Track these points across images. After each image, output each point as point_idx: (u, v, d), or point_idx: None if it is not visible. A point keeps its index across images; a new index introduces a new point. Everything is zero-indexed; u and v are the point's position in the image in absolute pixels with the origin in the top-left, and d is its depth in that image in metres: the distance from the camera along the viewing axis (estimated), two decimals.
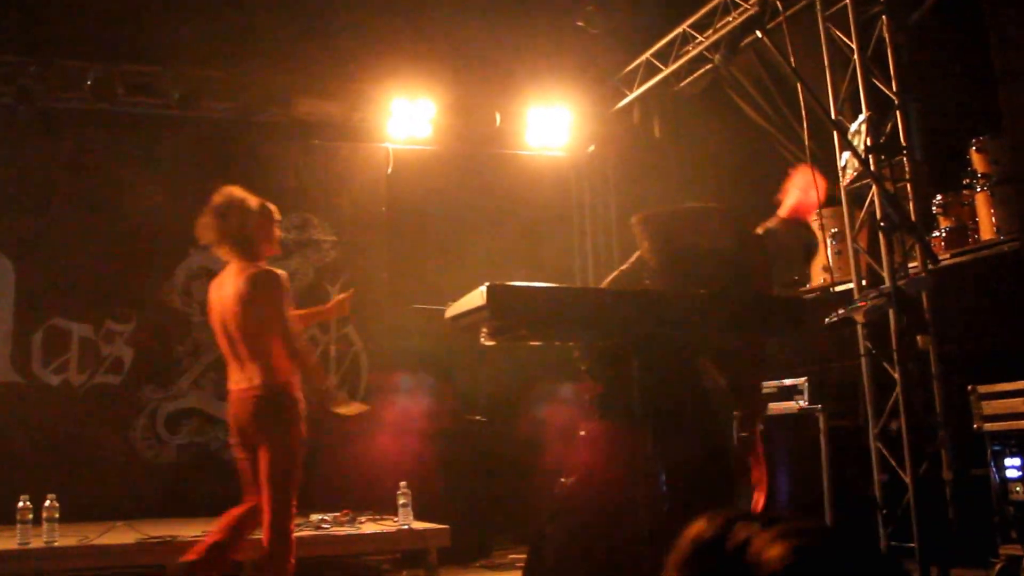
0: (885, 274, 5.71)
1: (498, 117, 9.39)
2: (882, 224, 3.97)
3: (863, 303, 4.35)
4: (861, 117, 5.83)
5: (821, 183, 4.45)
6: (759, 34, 4.53)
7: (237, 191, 5.17)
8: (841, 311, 4.41)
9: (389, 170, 9.36)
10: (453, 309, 3.44)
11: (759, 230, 4.44)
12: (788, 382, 6.68)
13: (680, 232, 4.21)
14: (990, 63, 5.59)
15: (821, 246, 6.85)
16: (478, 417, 7.63)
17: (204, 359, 8.63)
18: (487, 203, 9.50)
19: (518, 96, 9.50)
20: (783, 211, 4.50)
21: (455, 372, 8.48)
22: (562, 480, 3.86)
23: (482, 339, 3.45)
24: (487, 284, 3.16)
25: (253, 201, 5.17)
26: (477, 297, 3.17)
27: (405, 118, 9.11)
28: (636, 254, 4.33)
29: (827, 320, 4.53)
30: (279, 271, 5.08)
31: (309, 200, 9.13)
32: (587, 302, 3.43)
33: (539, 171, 9.84)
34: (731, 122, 7.84)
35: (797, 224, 4.41)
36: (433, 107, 9.15)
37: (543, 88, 9.43)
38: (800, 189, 4.48)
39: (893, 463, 5.84)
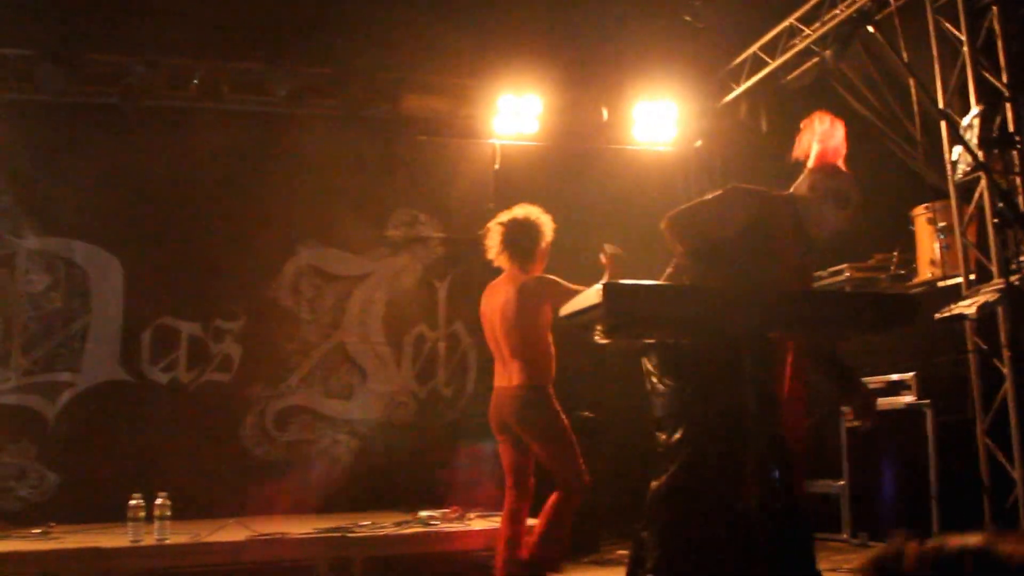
0: (994, 269, 5.67)
1: (605, 112, 9.43)
2: (995, 219, 3.93)
3: (976, 298, 4.33)
4: (973, 111, 5.78)
5: (840, 127, 4.41)
6: (870, 28, 4.56)
7: (536, 212, 5.98)
8: (954, 306, 4.40)
9: (496, 166, 9.44)
10: (568, 307, 3.52)
11: (787, 192, 4.41)
12: (895, 377, 6.67)
13: (707, 223, 4.21)
14: None
15: (928, 239, 6.83)
16: (586, 413, 7.71)
17: (312, 357, 8.77)
18: (594, 198, 9.46)
19: (625, 91, 9.53)
20: (809, 164, 4.40)
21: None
22: (652, 483, 3.97)
23: (596, 337, 3.53)
24: (603, 282, 3.25)
25: (548, 226, 5.95)
26: (593, 295, 3.23)
27: (512, 114, 9.18)
28: (673, 261, 4.38)
29: (938, 315, 4.52)
30: (550, 276, 5.79)
31: (417, 197, 9.21)
32: (700, 300, 3.48)
33: (646, 167, 9.84)
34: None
35: (825, 173, 4.29)
36: (539, 103, 9.21)
37: (650, 83, 9.46)
38: (820, 138, 4.40)
39: (1002, 458, 5.80)
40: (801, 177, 4.38)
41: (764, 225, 4.20)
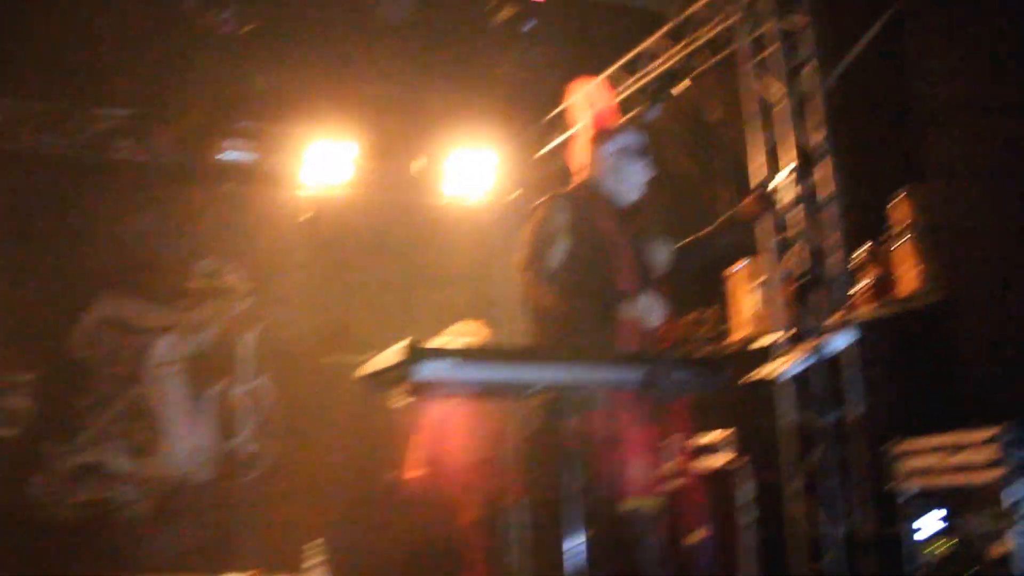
0: (787, 330, 5.88)
1: (421, 161, 9.49)
2: (801, 278, 4.06)
3: (782, 360, 4.45)
4: (787, 168, 5.98)
5: (600, 85, 4.48)
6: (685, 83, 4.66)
7: None
8: (759, 369, 4.50)
9: (308, 215, 9.38)
10: (369, 366, 3.46)
11: (585, 177, 4.42)
12: (712, 436, 6.77)
13: (546, 246, 4.21)
14: (916, 111, 5.79)
15: (744, 297, 7.01)
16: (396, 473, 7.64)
17: (109, 411, 8.59)
18: (410, 249, 9.60)
19: (442, 140, 9.60)
20: (590, 135, 4.42)
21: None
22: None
23: (398, 398, 3.48)
24: (409, 340, 3.21)
25: None
26: (397, 354, 3.20)
27: (325, 161, 9.13)
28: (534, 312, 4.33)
29: (745, 379, 4.61)
30: None
31: (223, 246, 9.11)
32: (510, 360, 3.49)
33: (464, 216, 9.92)
34: (657, 168, 7.98)
35: (609, 136, 4.35)
36: (355, 149, 9.21)
37: (468, 131, 9.54)
38: (589, 103, 4.44)
39: (816, 520, 5.95)
40: (588, 153, 4.40)
41: (589, 221, 4.20)
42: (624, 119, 4.39)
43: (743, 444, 6.52)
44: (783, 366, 4.38)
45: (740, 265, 7.15)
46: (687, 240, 4.57)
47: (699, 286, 7.49)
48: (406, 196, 9.77)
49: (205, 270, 8.99)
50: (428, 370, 3.22)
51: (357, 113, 8.96)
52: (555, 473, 3.63)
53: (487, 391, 3.84)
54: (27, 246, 8.43)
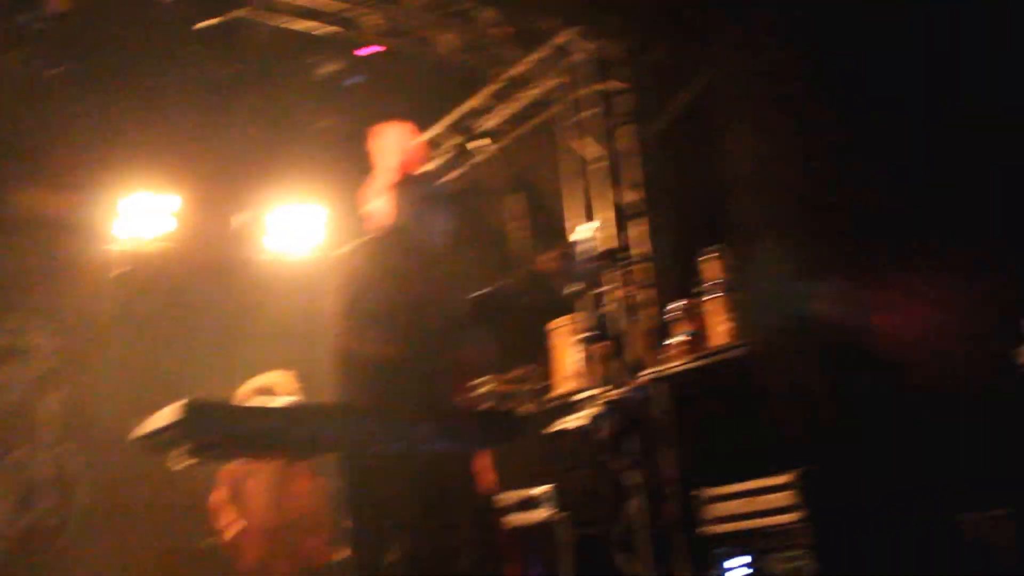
0: (601, 384, 6.09)
1: (244, 215, 9.44)
2: (590, 333, 4.20)
3: (587, 411, 4.54)
4: (592, 224, 6.20)
5: (401, 128, 4.52)
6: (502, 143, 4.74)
7: None
8: (561, 421, 4.59)
9: (122, 270, 9.00)
10: (145, 426, 3.31)
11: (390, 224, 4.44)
12: (530, 492, 6.90)
13: (364, 300, 4.24)
14: (724, 174, 6.12)
15: (564, 353, 7.19)
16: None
17: None
18: (235, 304, 9.43)
19: (268, 193, 9.56)
20: (392, 181, 4.44)
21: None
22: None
23: (178, 459, 3.31)
24: (187, 399, 3.09)
25: None
26: (173, 413, 3.08)
27: (141, 216, 8.87)
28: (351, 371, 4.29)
29: (544, 431, 4.70)
30: None
31: (28, 301, 8.71)
32: (295, 419, 3.42)
33: (292, 270, 9.85)
34: (478, 225, 8.18)
35: (411, 182, 4.40)
36: (175, 204, 9.00)
37: (293, 187, 9.54)
38: (389, 150, 4.49)
39: (635, 569, 6.12)
40: (390, 201, 4.40)
41: (391, 274, 4.23)
42: (430, 166, 4.39)
43: (562, 498, 6.66)
44: (584, 418, 4.50)
45: (562, 321, 7.33)
46: (486, 291, 4.57)
47: (525, 342, 7.64)
48: (230, 251, 9.57)
49: (7, 327, 8.65)
50: (208, 429, 3.15)
51: (178, 165, 8.80)
52: (376, 531, 3.67)
53: (277, 450, 3.78)
54: None
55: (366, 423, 3.52)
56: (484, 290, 4.55)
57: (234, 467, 6.20)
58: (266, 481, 6.15)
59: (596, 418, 4.47)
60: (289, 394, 6.13)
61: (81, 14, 7.19)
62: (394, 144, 4.51)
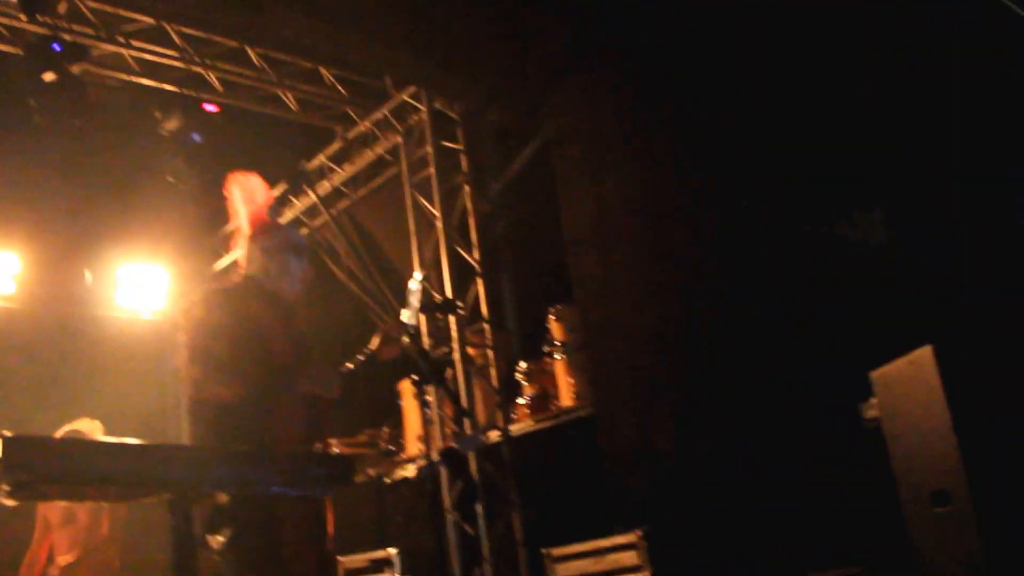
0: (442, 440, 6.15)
1: (89, 275, 9.31)
2: (415, 380, 4.24)
3: (416, 463, 4.57)
4: (417, 275, 6.27)
5: (256, 180, 4.46)
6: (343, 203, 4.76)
7: None
8: (398, 473, 4.63)
9: None
10: None
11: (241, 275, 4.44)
12: (378, 554, 6.89)
13: (204, 348, 4.19)
14: (563, 233, 6.21)
15: (415, 413, 7.21)
16: None
17: None
18: (78, 366, 9.27)
19: (111, 253, 9.47)
20: (246, 231, 4.41)
21: None
22: None
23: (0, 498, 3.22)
24: (2, 435, 2.99)
25: None
26: None
27: None
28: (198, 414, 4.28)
29: (386, 480, 4.74)
30: None
31: None
32: (122, 456, 3.29)
33: (135, 331, 9.73)
34: (325, 284, 8.20)
35: (266, 233, 4.37)
36: (15, 262, 8.90)
37: (137, 246, 9.47)
38: (245, 199, 4.43)
39: None
40: (243, 251, 4.39)
41: (244, 320, 4.19)
42: (282, 216, 4.41)
43: (408, 560, 6.67)
44: (412, 470, 4.55)
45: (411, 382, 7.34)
46: (348, 370, 4.54)
47: (374, 403, 7.65)
48: (74, 309, 9.48)
49: None
50: (24, 466, 3.04)
51: (16, 224, 8.73)
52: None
53: (96, 490, 3.71)
54: None
55: (195, 462, 3.43)
56: (349, 366, 4.56)
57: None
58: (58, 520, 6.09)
59: (423, 469, 4.49)
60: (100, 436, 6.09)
61: None
62: (246, 195, 4.42)
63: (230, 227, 4.54)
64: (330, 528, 4.33)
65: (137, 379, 9.45)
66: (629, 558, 5.32)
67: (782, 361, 5.24)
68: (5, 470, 2.97)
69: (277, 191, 8.35)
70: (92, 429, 6.14)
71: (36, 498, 3.41)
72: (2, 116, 7.76)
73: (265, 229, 4.39)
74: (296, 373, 4.10)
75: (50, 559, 6.12)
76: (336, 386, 4.15)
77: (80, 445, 3.23)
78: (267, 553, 3.95)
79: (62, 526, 6.03)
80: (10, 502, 3.36)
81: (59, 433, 6.09)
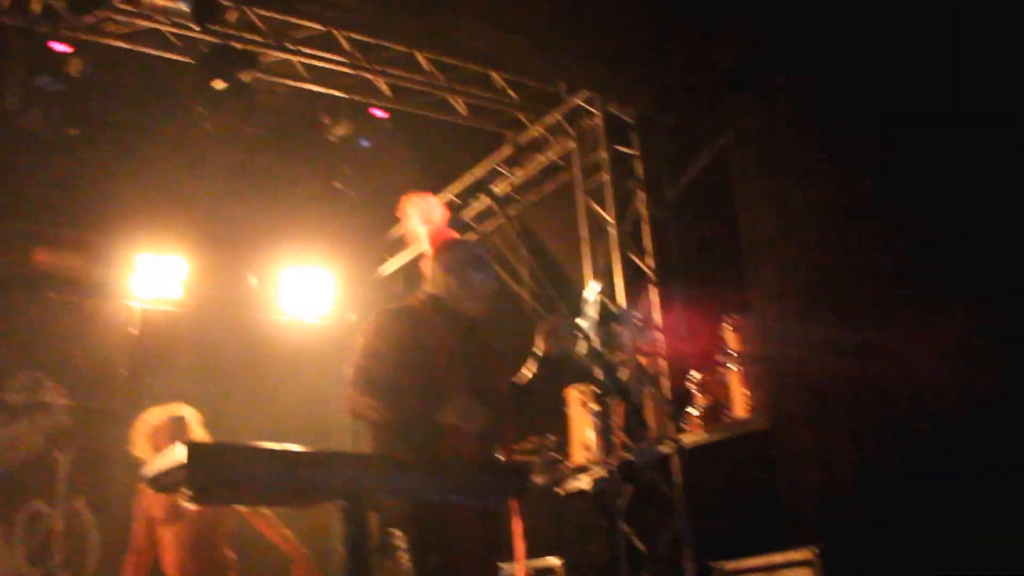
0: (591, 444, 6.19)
1: (254, 279, 9.62)
2: (596, 391, 4.28)
3: (591, 475, 4.59)
4: (594, 286, 6.33)
5: (430, 198, 4.58)
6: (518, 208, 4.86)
7: None
8: (570, 483, 4.66)
9: (134, 331, 9.30)
10: (151, 467, 3.40)
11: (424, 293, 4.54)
12: (543, 563, 6.97)
13: (375, 365, 4.29)
14: (740, 241, 6.21)
15: (581, 421, 7.28)
16: None
17: None
18: (242, 369, 9.54)
19: (276, 259, 9.78)
20: (427, 250, 4.52)
21: None
22: None
23: (183, 501, 3.38)
24: (188, 441, 3.19)
25: None
26: (176, 455, 3.15)
27: (153, 275, 9.16)
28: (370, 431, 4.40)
29: (557, 491, 4.78)
30: None
31: (42, 359, 8.93)
32: (298, 464, 3.41)
33: (298, 337, 10.00)
34: (499, 282, 8.32)
35: (447, 249, 4.47)
36: (185, 265, 9.27)
37: (303, 251, 9.75)
38: (423, 219, 4.52)
39: None
40: (428, 269, 4.50)
41: (412, 342, 4.29)
42: (462, 233, 4.51)
43: (572, 570, 6.74)
44: (588, 482, 4.58)
45: (578, 389, 7.41)
46: (519, 385, 4.62)
47: (540, 410, 7.72)
48: (240, 312, 9.80)
49: (22, 383, 8.83)
50: (208, 473, 3.19)
51: (187, 227, 9.07)
52: None
53: (275, 496, 3.83)
54: None
55: (372, 471, 3.56)
56: (526, 374, 4.62)
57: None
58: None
59: (599, 481, 4.52)
60: (196, 429, 6.25)
61: (99, 76, 7.48)
62: (423, 215, 4.54)
63: (414, 245, 4.65)
64: (516, 540, 4.38)
65: (301, 383, 9.73)
66: (803, 575, 5.28)
67: (973, 376, 5.13)
68: (190, 475, 3.11)
69: (446, 197, 8.53)
70: (192, 417, 6.29)
71: (216, 502, 3.58)
72: (173, 124, 8.10)
73: (445, 246, 4.49)
74: (444, 402, 4.16)
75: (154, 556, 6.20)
76: (479, 422, 4.14)
77: (260, 452, 3.31)
78: (437, 563, 4.01)
79: (167, 523, 6.08)
80: (192, 506, 3.56)
81: (154, 416, 6.28)
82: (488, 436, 4.23)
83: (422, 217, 4.53)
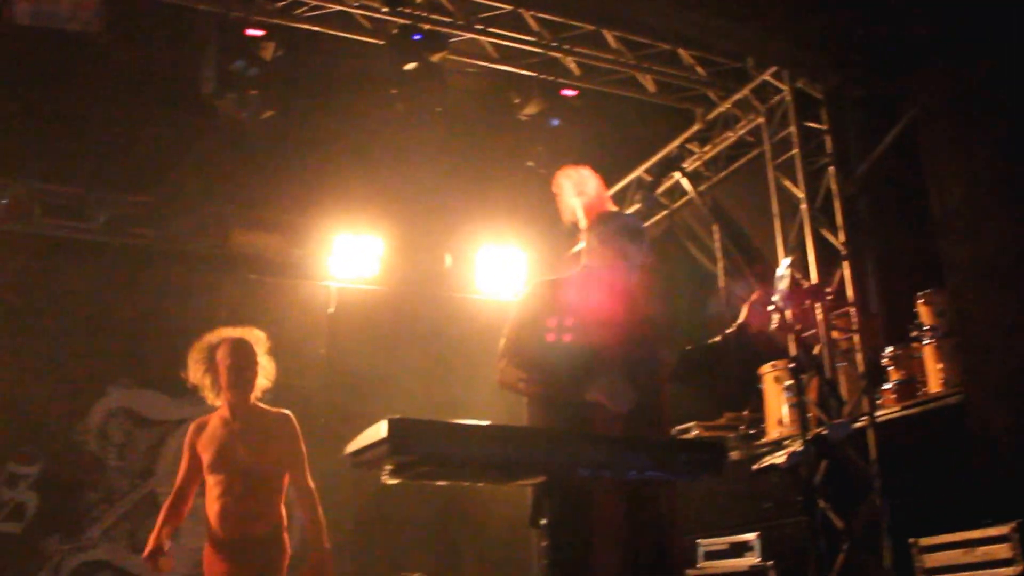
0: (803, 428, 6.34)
1: (448, 258, 9.96)
2: (791, 366, 4.40)
3: (786, 450, 4.75)
4: (785, 262, 6.49)
5: (585, 171, 4.77)
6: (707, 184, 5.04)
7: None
8: (767, 458, 4.84)
9: (331, 310, 9.62)
10: (353, 444, 3.51)
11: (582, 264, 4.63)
12: (739, 538, 7.21)
13: (531, 334, 4.40)
14: (932, 215, 6.30)
15: (776, 398, 7.48)
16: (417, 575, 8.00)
17: (119, 507, 8.55)
18: (437, 347, 9.82)
19: (470, 237, 10.07)
20: (583, 223, 4.65)
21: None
22: None
23: (384, 477, 3.53)
24: (389, 418, 3.28)
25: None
26: (378, 431, 3.27)
27: (349, 255, 9.48)
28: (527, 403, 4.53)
29: (754, 467, 4.97)
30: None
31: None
32: (497, 440, 3.49)
33: (491, 315, 10.08)
34: (684, 267, 8.54)
35: (602, 221, 4.56)
36: (380, 245, 9.57)
37: (496, 229, 10.03)
38: (577, 192, 4.71)
39: None
40: (584, 241, 4.59)
41: (576, 308, 4.35)
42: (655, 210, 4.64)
43: (768, 545, 6.95)
44: (782, 454, 4.72)
45: (772, 365, 7.57)
46: (693, 348, 4.75)
47: (733, 388, 7.93)
48: (434, 291, 10.12)
49: None
50: (408, 448, 3.30)
51: (383, 207, 9.42)
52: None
53: (474, 472, 3.88)
54: (36, 332, 8.50)
55: (573, 447, 3.63)
56: (691, 347, 4.74)
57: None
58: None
59: (794, 455, 4.63)
60: (262, 353, 6.18)
61: (292, 60, 7.77)
62: (577, 187, 4.71)
63: (566, 219, 4.79)
64: (673, 515, 4.44)
65: (491, 361, 9.97)
66: (1002, 551, 5.38)
67: None
68: (391, 451, 3.26)
69: (636, 175, 8.79)
70: (257, 340, 6.17)
71: (415, 478, 3.72)
72: (367, 106, 8.42)
73: (600, 219, 4.59)
74: (592, 378, 4.21)
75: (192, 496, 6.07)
76: (626, 401, 4.18)
77: (460, 428, 3.41)
78: (575, 539, 4.04)
79: (214, 470, 5.88)
80: (392, 481, 3.60)
81: (216, 335, 6.13)
82: (638, 414, 4.23)
83: (576, 190, 4.69)
